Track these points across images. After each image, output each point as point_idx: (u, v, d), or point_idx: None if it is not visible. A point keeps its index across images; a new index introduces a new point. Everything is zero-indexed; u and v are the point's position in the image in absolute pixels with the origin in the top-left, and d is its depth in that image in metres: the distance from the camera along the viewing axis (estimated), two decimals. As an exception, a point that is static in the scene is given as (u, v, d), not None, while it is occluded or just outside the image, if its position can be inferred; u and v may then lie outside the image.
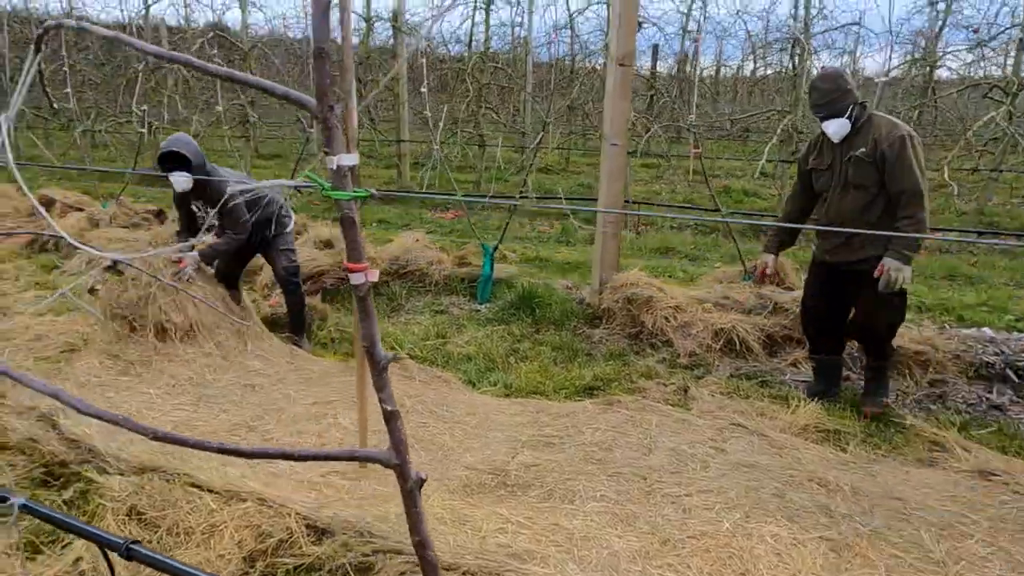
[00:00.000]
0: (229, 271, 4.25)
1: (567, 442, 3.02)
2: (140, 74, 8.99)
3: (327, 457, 0.69)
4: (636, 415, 3.24)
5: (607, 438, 3.04)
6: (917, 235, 2.97)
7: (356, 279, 0.68)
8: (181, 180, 3.77)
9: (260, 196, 3.94)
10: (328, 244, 5.82)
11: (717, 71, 18.90)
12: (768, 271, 3.59)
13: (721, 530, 2.36)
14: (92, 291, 3.65)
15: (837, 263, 3.31)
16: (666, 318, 4.34)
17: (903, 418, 3.29)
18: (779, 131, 7.80)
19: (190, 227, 4.08)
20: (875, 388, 3.45)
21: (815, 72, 9.70)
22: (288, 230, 4.25)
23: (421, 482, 0.70)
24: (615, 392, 3.65)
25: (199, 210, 3.93)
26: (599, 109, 12.62)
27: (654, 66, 13.14)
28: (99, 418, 0.66)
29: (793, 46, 8.71)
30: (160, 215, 7.26)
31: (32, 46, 0.95)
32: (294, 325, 4.32)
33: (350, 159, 0.66)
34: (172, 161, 3.75)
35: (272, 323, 4.50)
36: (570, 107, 11.85)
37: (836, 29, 9.27)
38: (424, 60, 9.61)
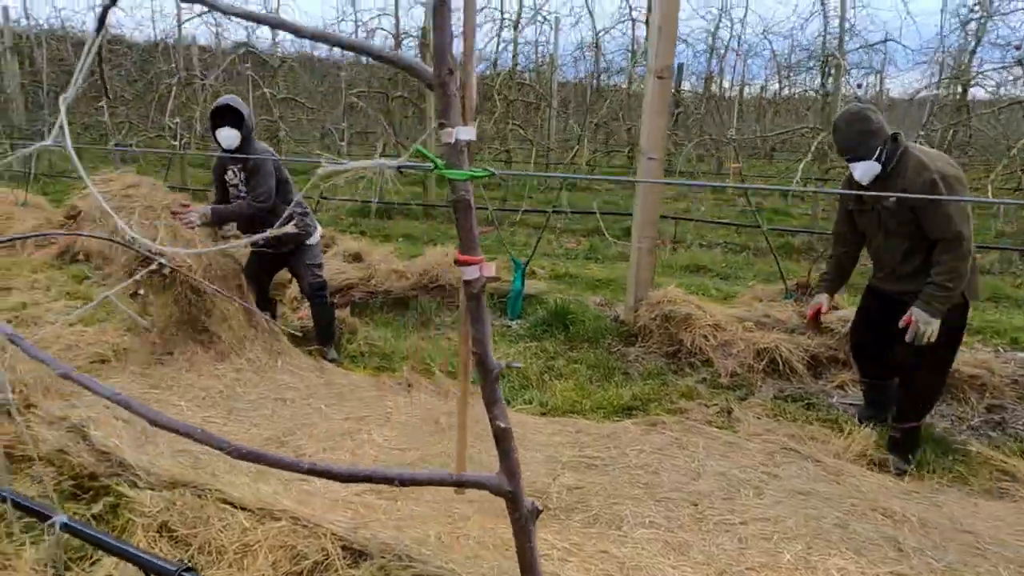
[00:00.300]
0: (257, 279, 4.20)
1: (610, 464, 2.89)
2: (173, 87, 9.11)
3: (428, 482, 0.59)
4: (681, 437, 3.10)
5: (652, 460, 2.91)
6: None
7: (470, 273, 0.58)
8: (230, 136, 3.76)
9: (284, 179, 3.94)
10: (357, 257, 5.77)
11: (741, 90, 18.81)
12: (824, 311, 3.45)
13: (782, 562, 2.21)
14: (134, 296, 3.60)
15: (884, 290, 3.19)
16: (705, 336, 4.20)
17: (966, 445, 3.12)
18: (813, 149, 7.66)
19: (224, 198, 4.06)
20: (894, 457, 3.05)
21: (847, 89, 9.56)
22: (314, 242, 4.18)
23: (537, 513, 0.60)
24: (655, 412, 3.51)
25: (235, 175, 3.92)
26: (626, 126, 12.58)
27: (679, 84, 13.10)
28: (171, 429, 0.56)
29: (825, 63, 8.59)
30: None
31: (95, 22, 0.88)
32: (321, 337, 4.25)
33: (467, 132, 0.57)
34: (226, 116, 3.75)
35: (301, 336, 4.43)
36: (597, 125, 11.80)
37: (872, 46, 9.12)
38: (457, 75, 9.61)
